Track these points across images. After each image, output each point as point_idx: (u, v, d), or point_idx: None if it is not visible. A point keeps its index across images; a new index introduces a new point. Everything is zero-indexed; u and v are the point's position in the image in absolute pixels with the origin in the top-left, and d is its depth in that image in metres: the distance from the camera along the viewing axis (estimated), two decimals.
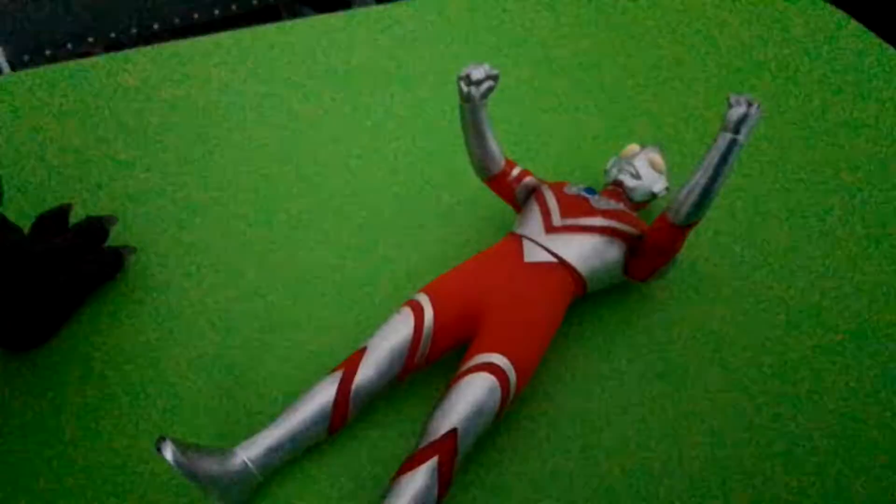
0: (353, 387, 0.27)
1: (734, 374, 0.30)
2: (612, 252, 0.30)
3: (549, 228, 0.30)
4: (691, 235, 0.36)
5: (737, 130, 0.25)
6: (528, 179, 0.33)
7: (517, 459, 0.27)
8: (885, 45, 0.47)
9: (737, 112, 0.25)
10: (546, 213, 0.31)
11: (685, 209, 0.27)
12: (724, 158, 0.26)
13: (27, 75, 0.46)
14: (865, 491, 0.26)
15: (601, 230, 0.30)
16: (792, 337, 0.32)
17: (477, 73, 0.29)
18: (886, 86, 0.44)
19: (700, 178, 0.26)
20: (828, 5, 0.51)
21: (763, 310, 0.33)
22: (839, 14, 0.50)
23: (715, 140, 0.26)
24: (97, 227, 0.33)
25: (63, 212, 0.33)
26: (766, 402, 0.29)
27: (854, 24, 0.49)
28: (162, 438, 0.23)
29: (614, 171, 0.35)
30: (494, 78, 0.29)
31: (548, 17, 0.51)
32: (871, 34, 0.48)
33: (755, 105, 0.25)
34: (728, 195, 0.38)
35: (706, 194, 0.26)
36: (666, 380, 0.30)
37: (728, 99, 0.26)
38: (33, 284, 0.29)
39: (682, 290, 0.33)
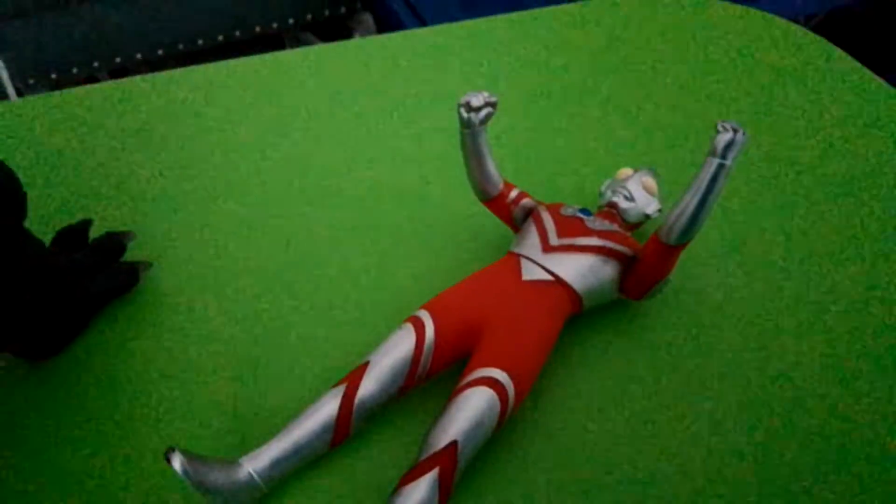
0: (356, 401, 0.27)
1: (729, 387, 0.31)
2: (607, 271, 0.31)
3: (546, 248, 0.31)
4: (685, 254, 0.37)
5: (724, 155, 0.26)
6: (525, 201, 0.34)
7: (515, 471, 0.28)
8: (873, 75, 0.49)
9: (724, 138, 0.26)
10: (543, 234, 0.32)
11: (676, 231, 0.28)
12: (712, 182, 0.27)
13: (50, 98, 0.47)
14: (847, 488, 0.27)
15: (596, 249, 0.31)
16: (780, 349, 0.32)
17: (476, 101, 0.30)
18: (870, 112, 0.46)
19: (689, 201, 0.28)
20: (812, 34, 0.53)
21: (750, 323, 0.34)
22: (825, 44, 0.52)
23: (703, 164, 0.27)
24: (115, 242, 0.34)
25: (83, 227, 0.35)
26: (757, 414, 0.30)
27: (839, 52, 0.51)
28: (171, 449, 0.24)
29: (608, 193, 0.36)
30: (493, 105, 0.31)
31: (542, 47, 0.53)
32: (856, 62, 0.50)
33: (741, 131, 0.26)
34: (718, 216, 0.39)
35: (696, 216, 0.28)
36: (662, 395, 0.31)
37: (716, 125, 0.27)
38: (54, 297, 0.30)
39: (675, 305, 0.34)
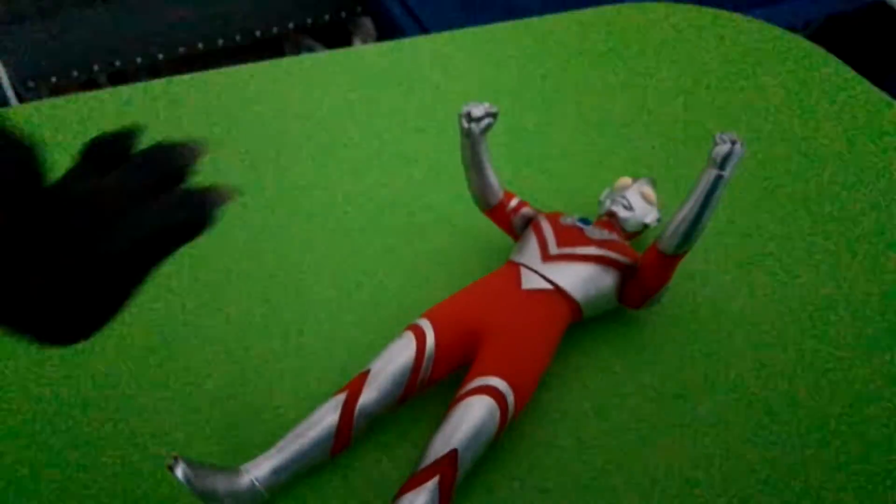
0: (357, 409, 0.27)
1: (726, 393, 0.31)
2: (606, 280, 0.31)
3: (546, 257, 0.31)
4: (683, 265, 0.37)
5: (722, 166, 0.27)
6: (525, 210, 0.35)
7: (514, 477, 0.28)
8: (869, 84, 0.49)
9: (722, 149, 0.27)
10: (543, 243, 0.32)
11: (674, 241, 0.29)
12: (710, 192, 0.27)
13: (65, 101, 0.48)
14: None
15: (595, 259, 0.31)
16: (776, 354, 0.33)
17: (477, 111, 0.31)
18: (865, 120, 0.47)
19: (688, 212, 0.28)
20: (809, 43, 0.53)
21: (750, 327, 0.34)
22: (821, 53, 0.52)
23: (701, 175, 0.28)
24: (176, 157, 0.21)
25: (127, 136, 0.22)
26: (757, 417, 0.30)
27: (835, 61, 0.52)
28: (174, 458, 0.24)
29: (608, 202, 0.36)
30: (493, 115, 0.31)
31: (542, 60, 0.53)
32: (851, 71, 0.50)
33: (738, 143, 0.27)
34: (715, 223, 0.40)
35: (694, 226, 0.28)
36: (658, 403, 0.31)
37: (714, 137, 0.27)
38: (72, 247, 0.19)
39: (673, 316, 0.35)
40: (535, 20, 0.56)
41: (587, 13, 0.56)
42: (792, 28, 0.62)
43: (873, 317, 0.35)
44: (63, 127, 0.46)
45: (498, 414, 0.27)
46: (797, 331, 0.34)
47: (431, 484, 0.25)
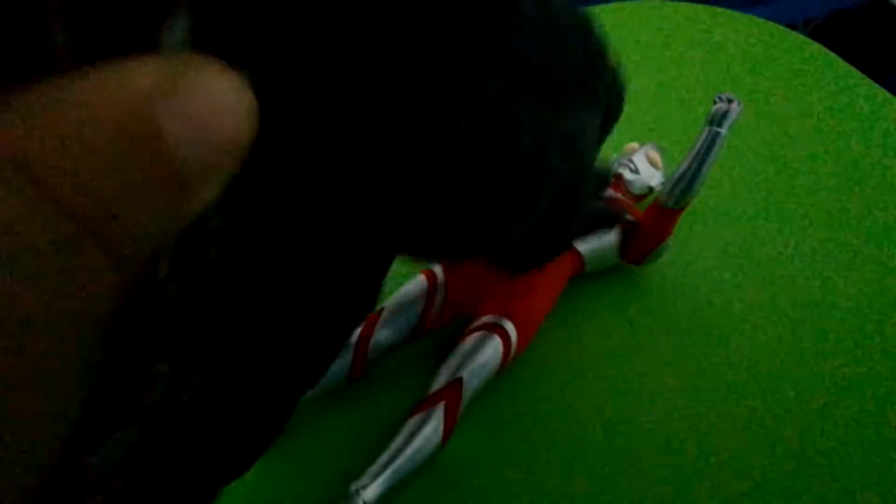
0: (371, 343, 0.30)
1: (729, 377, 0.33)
2: (609, 234, 0.33)
3: None
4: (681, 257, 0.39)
5: (720, 124, 0.28)
6: None
7: (516, 424, 0.30)
8: (871, 82, 0.49)
9: (720, 108, 0.28)
10: None
11: (675, 194, 0.30)
12: (708, 149, 0.29)
13: None
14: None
15: None
16: (778, 347, 0.34)
17: None
18: (867, 118, 0.46)
19: (687, 167, 0.30)
20: (811, 41, 0.53)
21: (747, 327, 0.35)
22: (823, 51, 0.52)
23: (700, 133, 0.29)
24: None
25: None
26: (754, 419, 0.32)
27: (837, 59, 0.51)
28: None
29: (614, 165, 0.38)
30: None
31: None
32: (854, 69, 0.50)
33: (735, 101, 0.28)
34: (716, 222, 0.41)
35: (693, 181, 0.30)
36: (658, 361, 0.33)
37: (714, 97, 0.29)
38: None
39: (673, 308, 0.36)
40: None
41: (592, 9, 0.57)
42: (793, 25, 0.62)
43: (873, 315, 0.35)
44: None
45: (501, 350, 0.29)
46: (795, 328, 0.35)
47: (438, 408, 0.27)
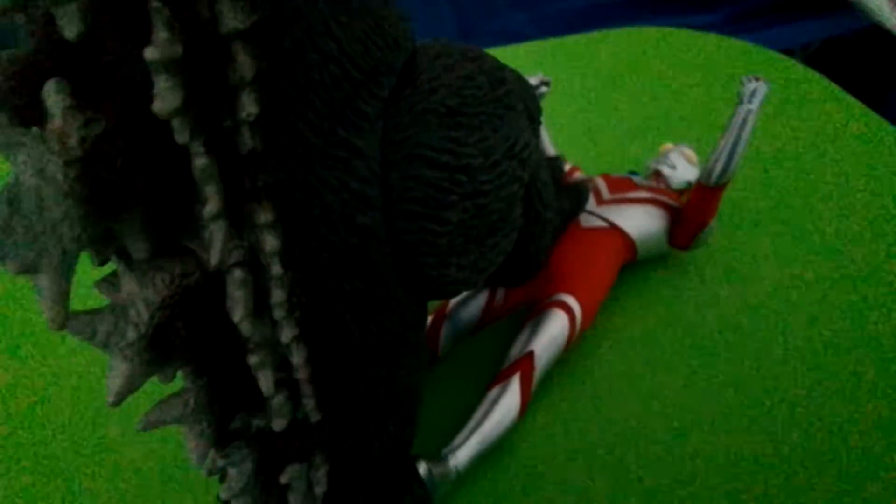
0: (442, 334, 0.32)
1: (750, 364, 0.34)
2: (657, 220, 0.35)
3: (600, 201, 0.36)
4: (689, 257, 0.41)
5: (750, 101, 0.31)
6: (576, 175, 0.39)
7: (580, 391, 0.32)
8: (866, 108, 0.50)
9: (749, 87, 0.31)
10: (596, 191, 0.36)
11: (715, 171, 0.32)
12: (742, 126, 0.31)
13: None
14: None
15: (646, 201, 0.35)
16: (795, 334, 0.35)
17: (532, 81, 0.36)
18: (862, 143, 0.47)
19: (724, 145, 0.32)
20: (807, 68, 0.54)
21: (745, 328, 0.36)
22: (819, 78, 0.54)
23: (733, 113, 0.32)
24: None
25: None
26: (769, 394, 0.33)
27: (833, 85, 0.53)
28: None
29: (653, 164, 0.40)
30: (547, 84, 0.36)
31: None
32: (849, 95, 0.51)
33: (762, 80, 0.31)
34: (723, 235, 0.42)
35: (731, 156, 0.32)
36: (698, 348, 0.34)
37: (741, 79, 0.32)
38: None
39: (713, 276, 0.38)
40: (522, 46, 0.58)
41: (579, 39, 0.59)
42: (789, 51, 0.65)
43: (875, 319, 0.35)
44: None
45: (568, 327, 0.31)
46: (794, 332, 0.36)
47: (514, 379, 0.29)
